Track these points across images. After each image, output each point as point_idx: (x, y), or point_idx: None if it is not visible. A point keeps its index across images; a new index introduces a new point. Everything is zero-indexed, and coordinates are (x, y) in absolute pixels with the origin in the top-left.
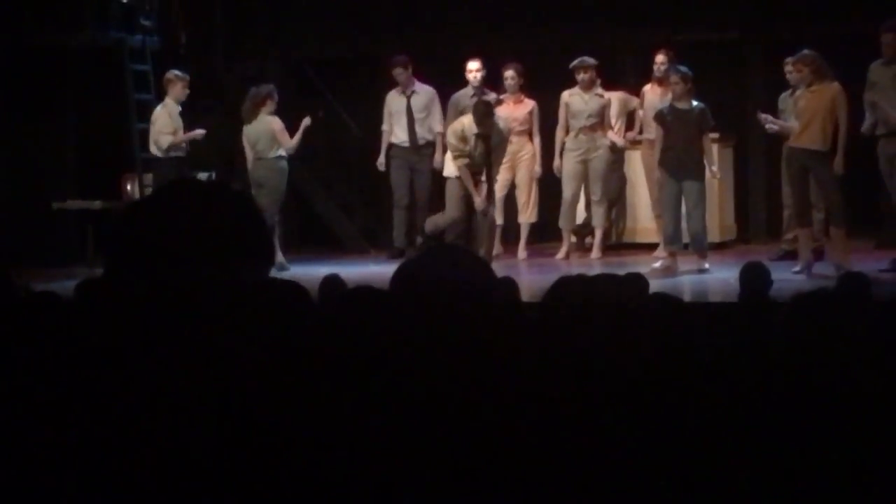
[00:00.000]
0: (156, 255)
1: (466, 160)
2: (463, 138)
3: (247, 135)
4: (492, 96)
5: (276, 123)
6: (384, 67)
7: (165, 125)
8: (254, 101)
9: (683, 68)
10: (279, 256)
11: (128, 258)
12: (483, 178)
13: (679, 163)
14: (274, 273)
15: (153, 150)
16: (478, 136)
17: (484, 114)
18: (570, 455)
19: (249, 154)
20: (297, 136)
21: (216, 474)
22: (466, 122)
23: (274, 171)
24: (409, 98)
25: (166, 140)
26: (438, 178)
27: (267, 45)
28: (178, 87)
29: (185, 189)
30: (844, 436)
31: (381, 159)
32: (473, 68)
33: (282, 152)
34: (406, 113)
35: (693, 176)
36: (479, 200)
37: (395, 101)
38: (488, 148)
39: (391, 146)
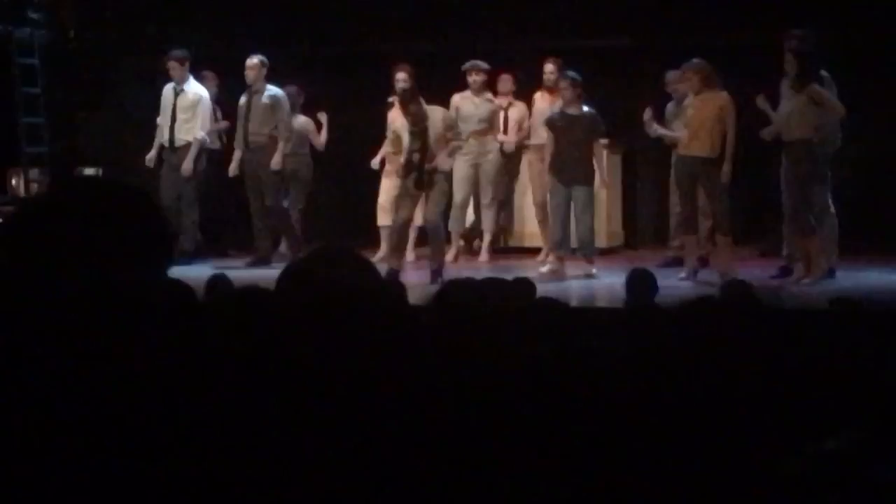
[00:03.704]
0: (49, 252)
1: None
2: (395, 139)
3: None
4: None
5: (311, 124)
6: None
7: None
8: (289, 100)
9: (573, 74)
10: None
11: (19, 256)
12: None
13: (568, 168)
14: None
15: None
16: (412, 133)
17: (415, 112)
18: (453, 459)
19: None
20: (324, 133)
21: (94, 477)
22: (399, 122)
23: (306, 166)
24: (177, 95)
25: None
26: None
27: (159, 42)
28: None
29: (81, 186)
30: (725, 439)
31: (152, 154)
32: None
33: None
34: (171, 110)
35: (582, 181)
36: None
37: (166, 96)
38: (425, 145)
39: (161, 145)
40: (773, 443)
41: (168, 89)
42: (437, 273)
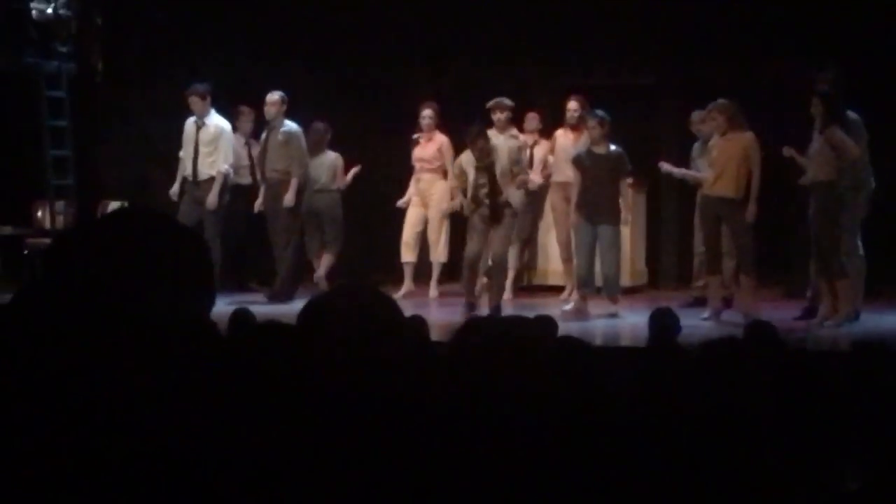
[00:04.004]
0: (95, 280)
1: (463, 196)
2: (460, 174)
3: (311, 167)
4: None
5: (340, 160)
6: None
7: None
8: (316, 136)
9: (601, 112)
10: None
11: (64, 280)
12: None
13: (594, 207)
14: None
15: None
16: (479, 168)
17: (482, 147)
18: (472, 495)
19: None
20: (350, 176)
21: None
22: (465, 157)
23: (337, 203)
24: (198, 129)
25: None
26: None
27: (184, 75)
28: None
29: (132, 217)
30: (746, 479)
31: (175, 188)
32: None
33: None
34: (193, 144)
35: (608, 220)
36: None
37: (188, 130)
38: (493, 179)
39: (184, 178)
40: (795, 483)
41: (190, 123)
42: (496, 310)
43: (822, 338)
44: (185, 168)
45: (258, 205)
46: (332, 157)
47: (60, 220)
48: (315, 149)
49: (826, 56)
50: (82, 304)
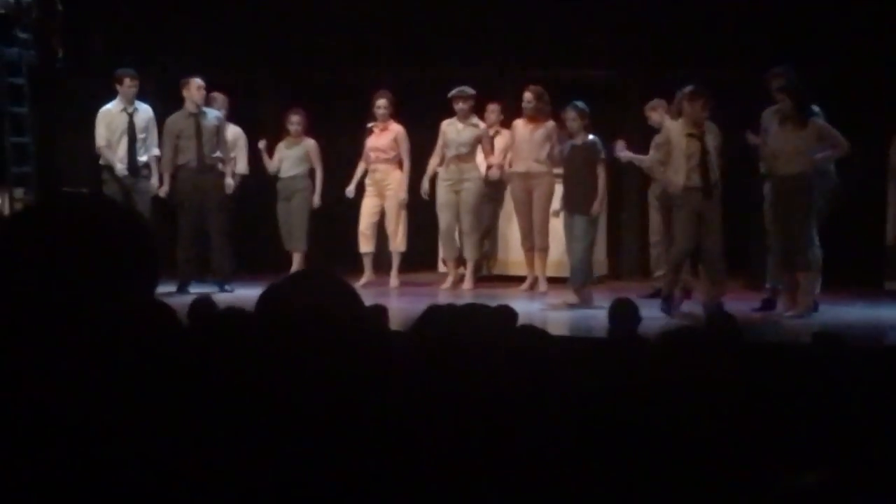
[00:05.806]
0: (33, 269)
1: (667, 170)
2: (664, 144)
3: (286, 155)
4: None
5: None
6: (258, 93)
7: None
8: (301, 124)
9: (580, 104)
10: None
11: (4, 269)
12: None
13: (570, 197)
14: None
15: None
16: (690, 135)
17: (701, 108)
18: (432, 487)
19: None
20: (266, 160)
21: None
22: (672, 126)
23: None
24: (131, 116)
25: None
26: (160, 203)
27: (145, 64)
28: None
29: (68, 202)
30: (704, 472)
31: (121, 168)
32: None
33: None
34: (127, 132)
35: (580, 210)
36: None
37: (115, 117)
38: (704, 150)
39: (107, 167)
40: (753, 476)
41: (115, 111)
42: (719, 307)
43: (784, 329)
44: (115, 157)
45: (164, 192)
46: (307, 145)
47: (18, 207)
48: (297, 135)
49: (777, 53)
50: (24, 293)
